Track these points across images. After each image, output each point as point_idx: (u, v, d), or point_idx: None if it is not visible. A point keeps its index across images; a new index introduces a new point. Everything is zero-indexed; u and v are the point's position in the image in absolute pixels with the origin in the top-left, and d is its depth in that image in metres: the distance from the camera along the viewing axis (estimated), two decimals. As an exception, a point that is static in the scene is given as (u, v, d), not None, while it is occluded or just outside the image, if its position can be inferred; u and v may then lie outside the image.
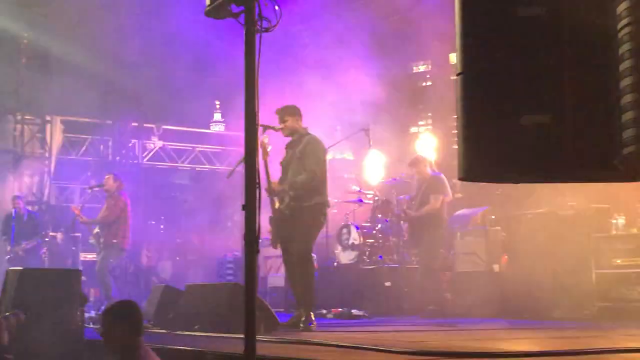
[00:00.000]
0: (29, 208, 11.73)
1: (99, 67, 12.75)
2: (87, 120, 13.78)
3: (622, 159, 2.56)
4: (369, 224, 10.30)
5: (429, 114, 11.82)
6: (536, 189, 8.23)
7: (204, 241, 14.34)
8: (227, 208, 11.75)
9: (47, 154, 13.40)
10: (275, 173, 6.94)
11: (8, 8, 12.16)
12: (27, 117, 13.19)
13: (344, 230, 10.18)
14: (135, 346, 3.98)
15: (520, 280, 8.09)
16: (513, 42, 2.69)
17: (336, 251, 10.24)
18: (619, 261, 7.56)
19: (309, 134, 6.92)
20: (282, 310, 9.04)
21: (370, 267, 9.78)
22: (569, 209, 8.08)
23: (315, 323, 6.55)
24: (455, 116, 2.84)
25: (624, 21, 2.56)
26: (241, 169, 3.65)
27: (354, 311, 8.53)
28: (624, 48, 2.55)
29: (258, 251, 3.22)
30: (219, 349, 4.53)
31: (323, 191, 6.77)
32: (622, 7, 2.57)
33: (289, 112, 6.92)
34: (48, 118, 13.39)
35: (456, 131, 2.86)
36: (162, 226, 14.52)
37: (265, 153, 6.61)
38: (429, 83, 12.09)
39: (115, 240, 9.66)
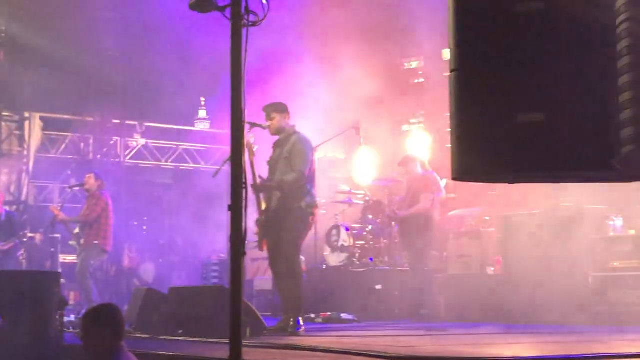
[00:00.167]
0: (7, 208, 11.50)
1: (80, 62, 12.58)
2: (67, 117, 13.52)
3: (620, 159, 2.53)
4: (359, 225, 10.21)
5: (421, 112, 11.73)
6: (532, 190, 8.17)
7: (188, 242, 14.23)
8: (213, 208, 11.58)
9: (25, 152, 13.11)
10: (262, 172, 6.83)
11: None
12: (4, 113, 12.92)
13: (334, 232, 10.07)
14: (117, 351, 3.92)
15: (515, 284, 8.09)
16: (508, 38, 2.64)
17: (325, 253, 10.14)
18: (616, 264, 7.60)
19: (297, 132, 6.89)
20: (269, 314, 8.94)
21: (360, 269, 9.72)
22: (565, 210, 8.05)
23: (303, 327, 6.52)
24: (449, 114, 2.80)
25: (622, 17, 2.55)
26: (227, 168, 3.60)
27: (344, 315, 8.48)
28: (622, 44, 2.54)
29: (244, 253, 3.24)
30: (203, 354, 4.57)
31: (312, 191, 6.75)
32: (620, 3, 2.56)
33: (277, 109, 6.87)
34: (26, 115, 13.11)
35: (449, 129, 2.81)
36: (144, 227, 14.41)
37: (252, 153, 6.55)
38: (421, 80, 12.01)
39: (96, 242, 9.57)
